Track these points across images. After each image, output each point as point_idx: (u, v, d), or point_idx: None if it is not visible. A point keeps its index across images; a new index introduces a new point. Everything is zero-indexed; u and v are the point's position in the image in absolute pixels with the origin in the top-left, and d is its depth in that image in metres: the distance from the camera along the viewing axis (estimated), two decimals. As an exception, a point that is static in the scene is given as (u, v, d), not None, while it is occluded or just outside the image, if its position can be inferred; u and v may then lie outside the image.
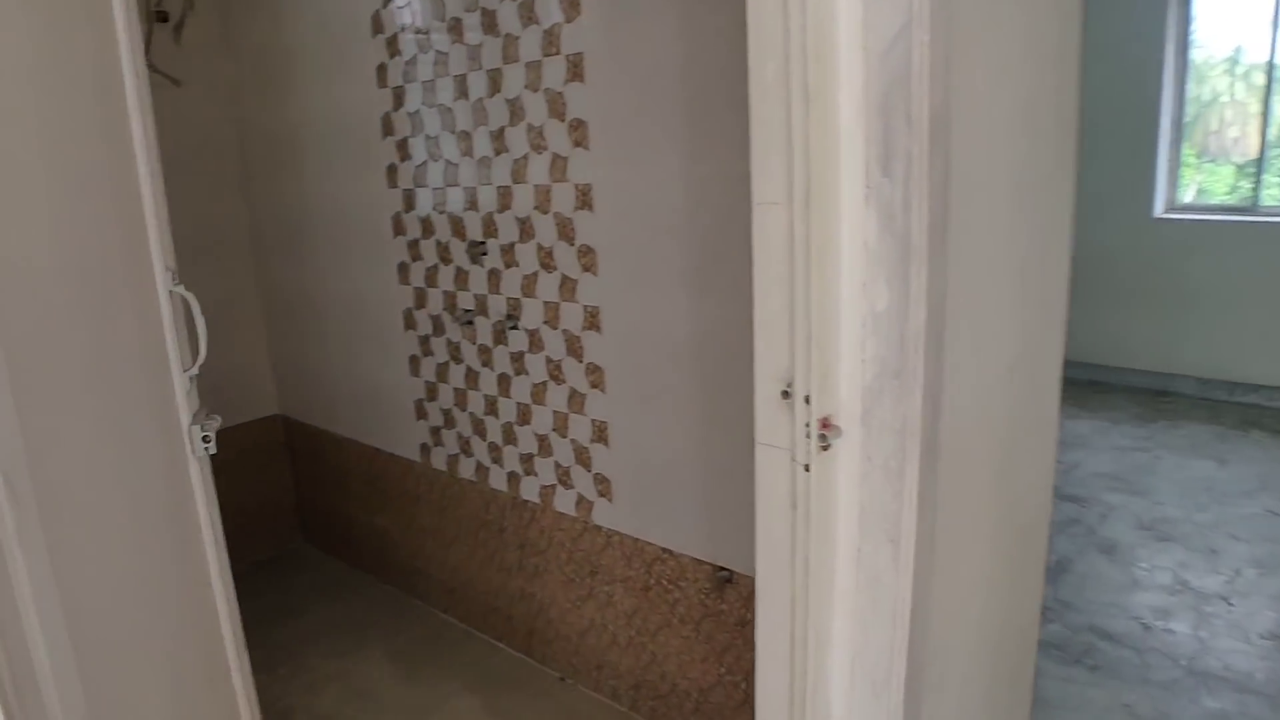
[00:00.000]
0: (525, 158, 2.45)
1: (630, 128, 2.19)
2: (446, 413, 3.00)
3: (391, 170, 2.93)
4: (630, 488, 2.47)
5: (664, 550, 2.42)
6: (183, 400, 1.68)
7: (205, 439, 1.72)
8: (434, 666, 3.00)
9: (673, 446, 2.32)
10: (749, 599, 2.23)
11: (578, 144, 2.31)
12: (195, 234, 3.54)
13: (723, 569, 2.29)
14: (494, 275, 2.67)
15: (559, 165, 2.37)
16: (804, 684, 1.44)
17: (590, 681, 2.78)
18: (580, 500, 2.62)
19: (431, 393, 3.04)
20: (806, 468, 1.38)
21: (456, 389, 2.94)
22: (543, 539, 2.78)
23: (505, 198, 2.55)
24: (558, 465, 2.65)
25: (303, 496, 3.95)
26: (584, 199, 2.33)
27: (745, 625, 2.28)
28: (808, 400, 1.34)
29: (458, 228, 2.75)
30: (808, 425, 1.35)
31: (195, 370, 1.70)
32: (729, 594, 2.29)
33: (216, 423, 1.75)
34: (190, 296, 1.68)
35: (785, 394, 1.39)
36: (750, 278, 1.43)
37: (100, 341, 1.53)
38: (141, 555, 1.62)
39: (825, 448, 1.35)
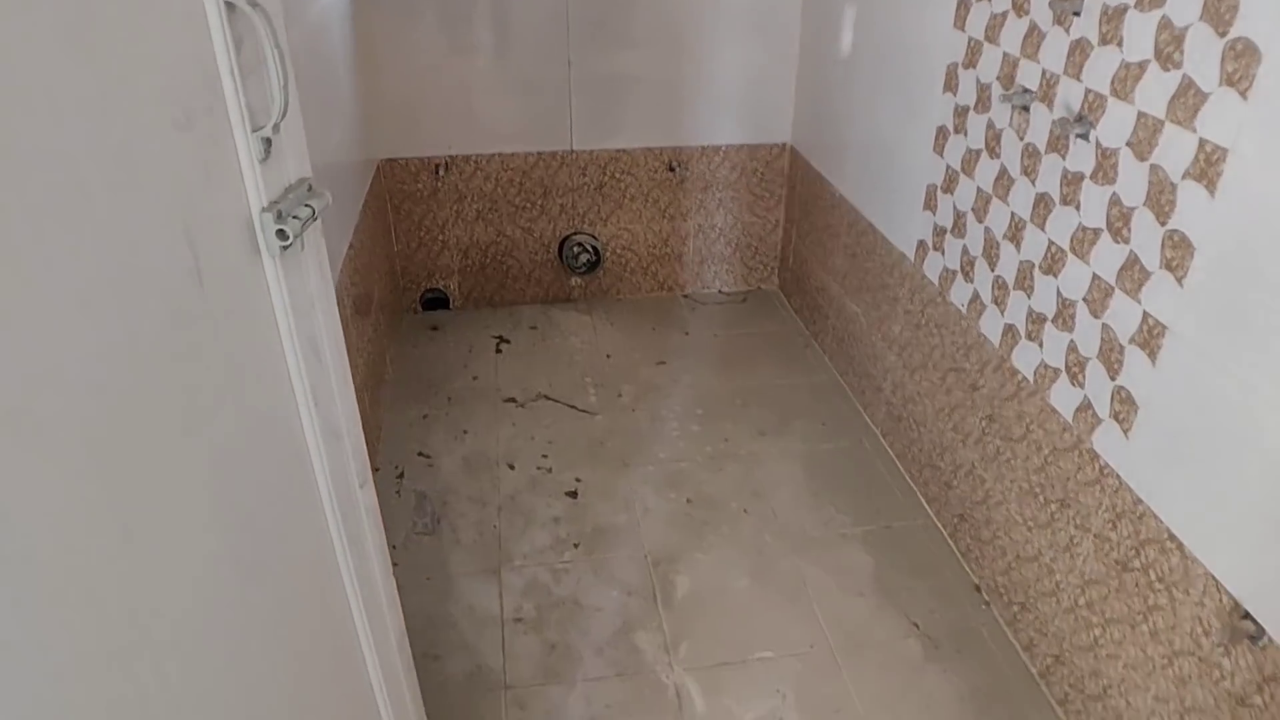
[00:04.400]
0: None
1: None
2: (959, 216, 2.26)
3: None
4: (1162, 433, 1.62)
5: (1170, 537, 1.60)
6: (250, 169, 0.86)
7: (281, 234, 0.88)
8: (844, 495, 2.55)
9: (1261, 414, 1.41)
10: (1270, 680, 1.39)
11: None
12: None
13: (1249, 618, 1.44)
14: (1078, 49, 1.76)
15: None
16: None
17: (1007, 615, 2.14)
18: (1083, 409, 1.82)
19: (950, 183, 2.30)
20: None
21: (980, 190, 2.16)
22: (1018, 426, 2.06)
23: (1141, -70, 1.58)
24: (1072, 349, 1.85)
25: (788, 240, 3.52)
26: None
27: (1243, 706, 1.45)
28: None
29: (1052, -36, 1.83)
30: None
31: (270, 130, 0.87)
32: (1243, 655, 1.45)
33: (322, 201, 0.95)
34: (259, 12, 0.85)
35: None
36: None
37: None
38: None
39: None
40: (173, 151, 0.73)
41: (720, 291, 3.65)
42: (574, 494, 2.56)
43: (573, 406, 2.94)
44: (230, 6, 0.80)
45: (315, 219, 0.91)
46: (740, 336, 3.36)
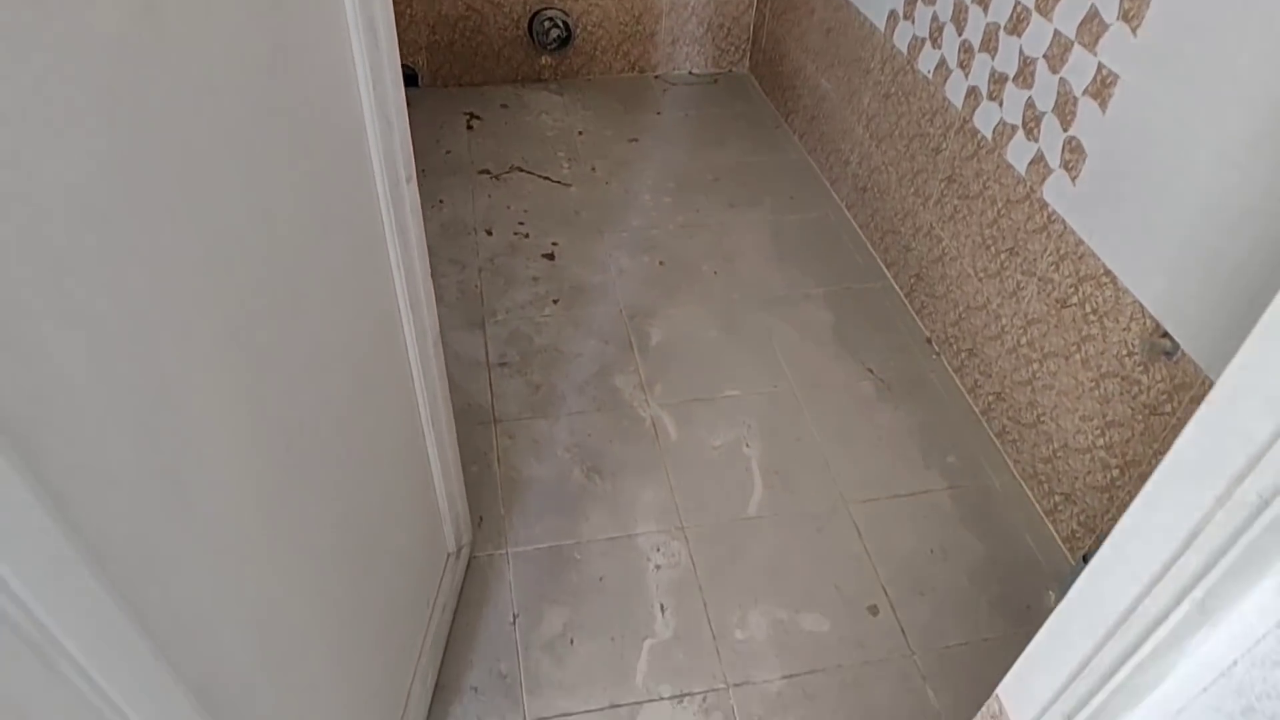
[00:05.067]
0: None
1: None
2: (933, -20, 2.30)
3: None
4: (1107, 177, 1.76)
5: (1106, 272, 1.77)
6: None
7: None
8: (808, 260, 2.70)
9: (1194, 151, 1.55)
10: (1179, 389, 1.60)
11: None
12: None
13: (1168, 337, 1.63)
14: None
15: None
16: None
17: (955, 362, 2.35)
18: (1036, 162, 1.95)
19: (926, -54, 2.33)
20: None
21: (955, -48, 2.20)
22: (975, 184, 2.19)
23: None
24: (1030, 106, 1.96)
25: (760, 19, 3.51)
26: None
27: (1156, 415, 1.67)
28: None
29: None
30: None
31: None
32: (1159, 370, 1.65)
33: None
34: None
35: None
36: None
37: None
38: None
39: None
40: None
41: (691, 73, 3.66)
42: (551, 256, 2.67)
43: (547, 178, 3.01)
44: None
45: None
46: (712, 116, 3.41)
